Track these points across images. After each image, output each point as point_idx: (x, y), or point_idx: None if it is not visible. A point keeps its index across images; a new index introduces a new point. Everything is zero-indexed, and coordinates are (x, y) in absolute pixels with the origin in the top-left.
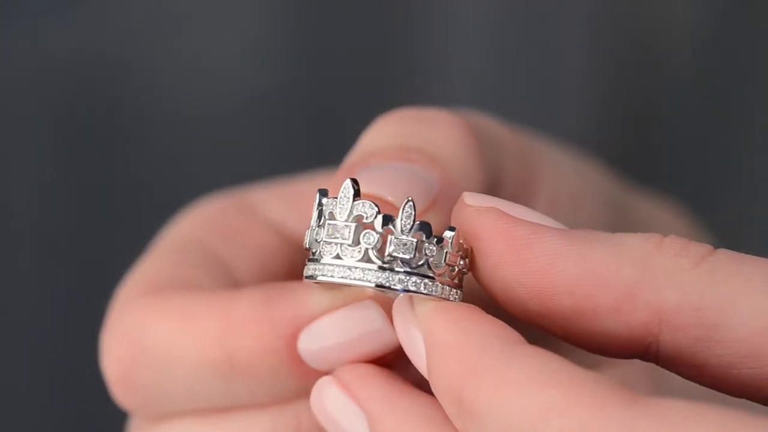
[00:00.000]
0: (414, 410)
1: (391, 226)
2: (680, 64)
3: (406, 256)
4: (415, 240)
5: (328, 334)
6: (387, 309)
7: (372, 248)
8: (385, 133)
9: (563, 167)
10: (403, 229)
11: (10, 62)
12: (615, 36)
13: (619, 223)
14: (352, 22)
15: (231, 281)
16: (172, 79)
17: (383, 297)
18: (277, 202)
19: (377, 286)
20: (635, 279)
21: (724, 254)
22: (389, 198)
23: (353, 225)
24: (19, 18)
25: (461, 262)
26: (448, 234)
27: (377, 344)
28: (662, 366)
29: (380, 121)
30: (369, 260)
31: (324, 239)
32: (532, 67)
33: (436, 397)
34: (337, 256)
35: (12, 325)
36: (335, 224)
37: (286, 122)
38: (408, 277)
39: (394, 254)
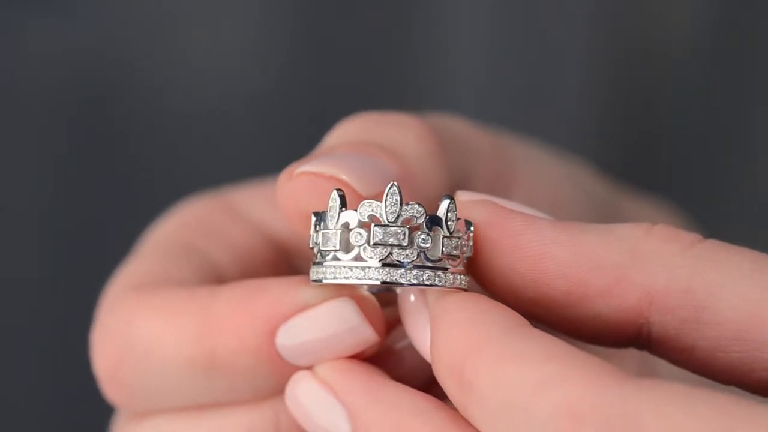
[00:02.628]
0: (396, 401)
1: (438, 227)
2: (680, 64)
3: (457, 253)
4: (460, 238)
5: (306, 331)
6: (362, 305)
7: (424, 249)
8: (347, 131)
9: (544, 170)
10: (450, 227)
11: (9, 60)
12: (615, 36)
13: None
14: (352, 21)
15: (216, 279)
16: (172, 78)
17: (358, 293)
18: (260, 202)
19: (429, 285)
20: (625, 262)
21: (713, 243)
22: (344, 177)
23: (406, 228)
24: (19, 17)
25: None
26: (470, 228)
27: (354, 341)
28: (654, 352)
29: (342, 123)
30: (422, 261)
31: (371, 242)
32: (532, 68)
33: (418, 391)
34: (388, 258)
35: (8, 321)
36: (386, 226)
37: (286, 121)
38: (454, 276)
39: (445, 252)
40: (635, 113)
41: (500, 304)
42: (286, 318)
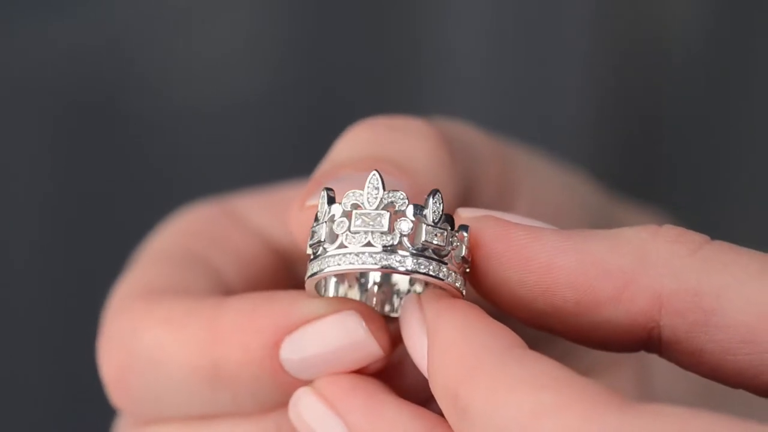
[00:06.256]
0: (395, 421)
1: (421, 215)
2: (680, 64)
3: (441, 243)
4: (445, 230)
5: (310, 344)
6: (368, 320)
7: (405, 235)
8: (356, 142)
9: (545, 178)
10: (434, 218)
11: (9, 59)
12: (615, 36)
13: None
14: (351, 21)
15: (221, 286)
16: (171, 77)
17: (365, 308)
18: (261, 210)
19: (411, 272)
20: (632, 267)
21: (720, 244)
22: None
23: (387, 213)
24: (19, 15)
25: (469, 260)
26: (464, 231)
27: (359, 355)
28: (664, 356)
29: (351, 131)
30: (402, 247)
31: (352, 229)
32: (531, 70)
33: (419, 408)
34: (369, 244)
35: (12, 325)
36: (366, 213)
37: (285, 121)
38: (439, 266)
39: (428, 241)
40: (634, 114)
41: (495, 322)
42: (291, 330)
